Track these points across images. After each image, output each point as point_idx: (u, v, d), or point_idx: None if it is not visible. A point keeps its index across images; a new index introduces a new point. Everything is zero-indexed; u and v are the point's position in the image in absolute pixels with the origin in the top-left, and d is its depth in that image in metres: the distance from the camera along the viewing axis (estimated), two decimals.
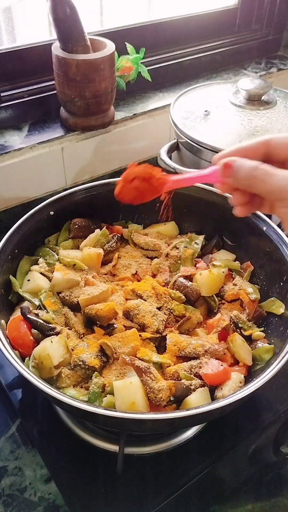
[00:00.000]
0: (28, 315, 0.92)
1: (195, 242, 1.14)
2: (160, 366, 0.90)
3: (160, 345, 0.96)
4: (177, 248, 1.13)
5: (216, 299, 1.04)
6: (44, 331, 0.91)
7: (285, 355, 0.81)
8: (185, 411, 0.72)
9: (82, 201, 1.12)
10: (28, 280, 1.01)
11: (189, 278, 1.06)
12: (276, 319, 0.97)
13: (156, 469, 0.91)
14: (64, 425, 0.96)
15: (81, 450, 0.93)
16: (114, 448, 0.91)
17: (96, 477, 0.89)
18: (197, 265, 1.10)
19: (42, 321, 0.92)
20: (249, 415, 0.99)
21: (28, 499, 0.86)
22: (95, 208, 1.15)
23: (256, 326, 0.99)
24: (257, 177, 0.60)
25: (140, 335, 0.93)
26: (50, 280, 1.01)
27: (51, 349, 0.86)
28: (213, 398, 0.86)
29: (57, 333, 0.91)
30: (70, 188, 1.12)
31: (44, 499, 0.86)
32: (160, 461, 0.92)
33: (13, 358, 0.77)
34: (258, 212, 1.05)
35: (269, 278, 1.04)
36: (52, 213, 1.08)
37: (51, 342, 0.88)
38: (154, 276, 1.09)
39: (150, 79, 1.47)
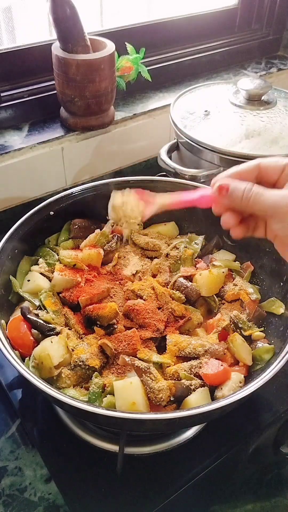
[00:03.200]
0: (28, 315, 0.92)
1: (195, 242, 1.14)
2: (160, 366, 0.90)
3: (160, 345, 0.96)
4: (177, 248, 1.13)
5: (216, 299, 1.04)
6: (44, 331, 0.91)
7: (285, 355, 0.81)
8: (185, 411, 0.72)
9: (82, 201, 1.12)
10: (28, 280, 1.01)
11: (189, 278, 1.06)
12: (276, 319, 0.97)
13: (156, 469, 0.91)
14: (64, 425, 0.96)
15: (81, 450, 0.93)
16: (114, 448, 0.91)
17: (96, 477, 0.89)
18: (197, 265, 1.10)
19: (42, 321, 0.92)
20: (249, 415, 0.99)
21: (28, 499, 0.86)
22: (95, 208, 1.15)
23: (256, 326, 0.99)
24: (251, 197, 0.66)
25: (140, 335, 0.93)
26: (50, 280, 1.01)
27: (51, 349, 0.86)
28: (213, 398, 0.86)
29: (57, 333, 0.91)
30: (70, 188, 1.12)
31: (44, 499, 0.86)
32: (160, 461, 0.92)
33: (13, 358, 0.77)
34: None
35: (269, 278, 1.04)
36: (52, 213, 1.08)
37: (51, 342, 0.88)
38: (154, 276, 1.09)
39: (150, 79, 1.47)
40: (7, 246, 0.97)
